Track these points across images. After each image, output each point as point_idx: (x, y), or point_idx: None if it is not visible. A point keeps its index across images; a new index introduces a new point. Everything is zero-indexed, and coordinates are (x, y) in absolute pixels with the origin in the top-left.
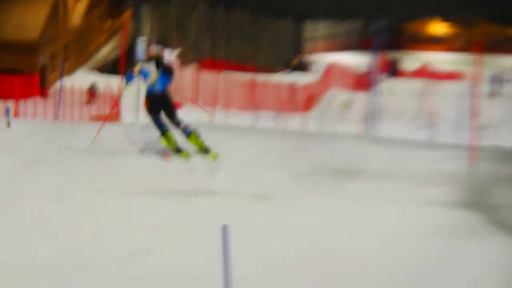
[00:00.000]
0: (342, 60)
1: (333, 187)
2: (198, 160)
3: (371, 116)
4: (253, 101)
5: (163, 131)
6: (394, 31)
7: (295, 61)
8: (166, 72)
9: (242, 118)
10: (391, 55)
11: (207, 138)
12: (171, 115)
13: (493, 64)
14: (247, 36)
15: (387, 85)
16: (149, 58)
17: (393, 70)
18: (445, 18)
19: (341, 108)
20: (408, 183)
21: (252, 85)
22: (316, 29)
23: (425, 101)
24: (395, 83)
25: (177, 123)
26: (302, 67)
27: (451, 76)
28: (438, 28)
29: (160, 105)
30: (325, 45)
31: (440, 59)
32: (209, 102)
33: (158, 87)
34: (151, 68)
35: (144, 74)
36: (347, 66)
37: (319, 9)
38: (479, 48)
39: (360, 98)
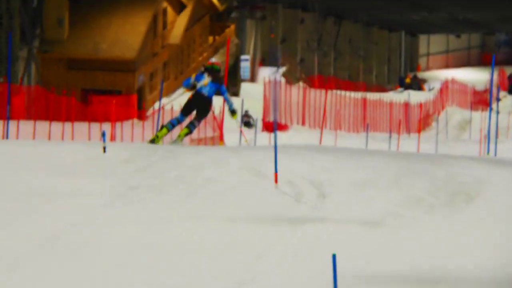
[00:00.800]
0: (459, 76)
1: (450, 212)
2: (305, 186)
3: (490, 136)
4: (364, 121)
5: (167, 127)
6: None
7: (408, 78)
8: (216, 82)
9: (352, 140)
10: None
11: (314, 161)
12: (199, 117)
13: None
14: (357, 51)
15: (508, 102)
16: (205, 67)
17: None
18: None
19: (458, 128)
20: None
21: (363, 105)
22: (431, 43)
23: None
24: None
25: (194, 121)
26: (416, 84)
27: None
28: None
29: (197, 105)
30: (441, 61)
31: None
32: (317, 123)
33: (205, 90)
34: (205, 75)
35: (198, 78)
36: (464, 83)
37: (435, 22)
38: None
39: (479, 117)
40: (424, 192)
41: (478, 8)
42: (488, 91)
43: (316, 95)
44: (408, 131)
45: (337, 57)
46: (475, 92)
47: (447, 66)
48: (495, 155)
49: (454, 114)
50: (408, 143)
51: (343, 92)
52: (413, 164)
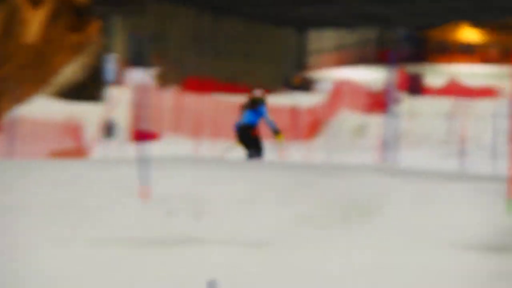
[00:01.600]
0: (353, 76)
1: (345, 229)
2: (178, 202)
3: (389, 143)
4: None
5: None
6: (417, 40)
7: (297, 79)
8: (251, 108)
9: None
10: (412, 68)
11: (191, 174)
12: (246, 147)
13: None
14: (239, 49)
15: (408, 105)
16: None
17: (415, 86)
18: (478, 23)
19: (352, 134)
20: (434, 223)
21: None
22: (322, 39)
23: (454, 124)
24: (418, 103)
25: (254, 151)
26: (305, 85)
27: (485, 92)
28: (469, 35)
29: (239, 137)
30: (333, 59)
31: (472, 73)
32: (193, 131)
33: (242, 121)
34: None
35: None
36: (359, 84)
37: (326, 15)
38: None
39: (376, 122)
40: (315, 207)
41: (376, 0)
42: (386, 92)
43: (192, 100)
44: (296, 138)
45: (216, 56)
46: (371, 94)
47: (340, 64)
48: (394, 164)
49: (348, 118)
50: (296, 152)
51: (222, 96)
52: (302, 176)
